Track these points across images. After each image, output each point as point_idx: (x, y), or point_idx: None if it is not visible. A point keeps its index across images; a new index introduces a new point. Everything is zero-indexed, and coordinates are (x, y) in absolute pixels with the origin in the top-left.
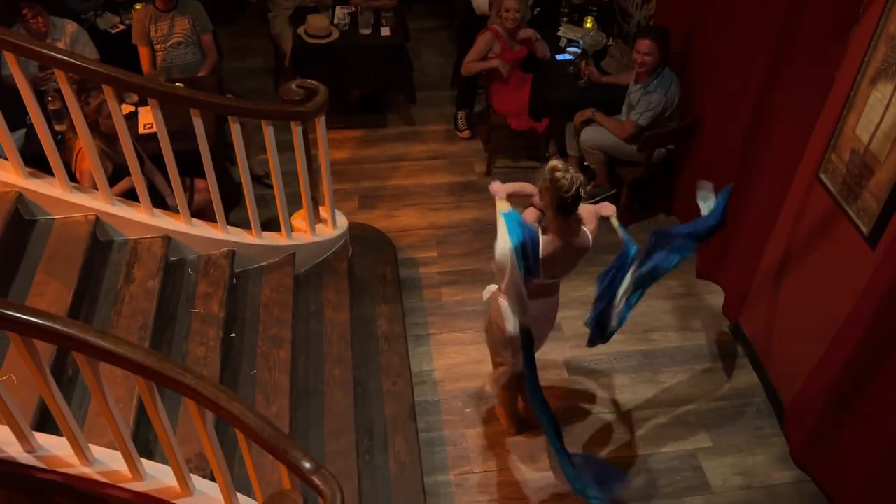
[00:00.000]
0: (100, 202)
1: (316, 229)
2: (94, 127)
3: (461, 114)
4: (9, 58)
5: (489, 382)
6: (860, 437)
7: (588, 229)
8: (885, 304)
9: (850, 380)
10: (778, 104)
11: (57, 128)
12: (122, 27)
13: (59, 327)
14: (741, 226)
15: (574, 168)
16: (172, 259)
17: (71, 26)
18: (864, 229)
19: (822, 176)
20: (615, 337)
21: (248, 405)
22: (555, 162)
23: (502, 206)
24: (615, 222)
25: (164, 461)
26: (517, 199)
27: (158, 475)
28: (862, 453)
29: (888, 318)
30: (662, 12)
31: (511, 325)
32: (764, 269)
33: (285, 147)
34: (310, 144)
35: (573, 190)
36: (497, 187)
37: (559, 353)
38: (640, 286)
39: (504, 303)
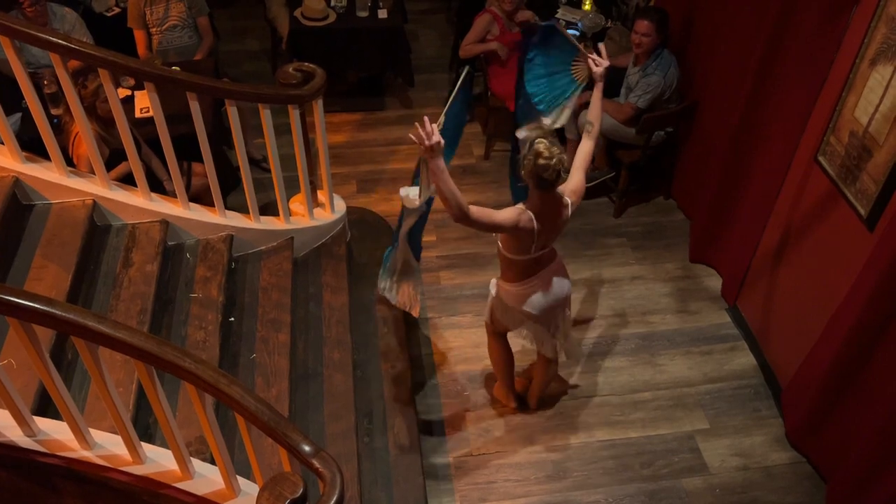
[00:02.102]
0: (97, 187)
1: (314, 213)
2: (90, 111)
3: None
4: (3, 42)
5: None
6: (855, 418)
7: (567, 194)
8: (881, 286)
9: (846, 362)
10: (776, 87)
11: (53, 112)
12: (117, 10)
13: (58, 312)
14: (738, 208)
15: (559, 149)
16: (171, 243)
17: (70, 15)
18: (862, 212)
19: (821, 158)
20: (614, 320)
21: (247, 389)
22: (540, 146)
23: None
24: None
25: (165, 445)
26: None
27: (159, 459)
28: (856, 434)
29: (885, 299)
30: None
31: (531, 306)
32: (762, 251)
33: (283, 131)
34: (307, 128)
35: (556, 172)
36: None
37: None
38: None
39: (516, 288)
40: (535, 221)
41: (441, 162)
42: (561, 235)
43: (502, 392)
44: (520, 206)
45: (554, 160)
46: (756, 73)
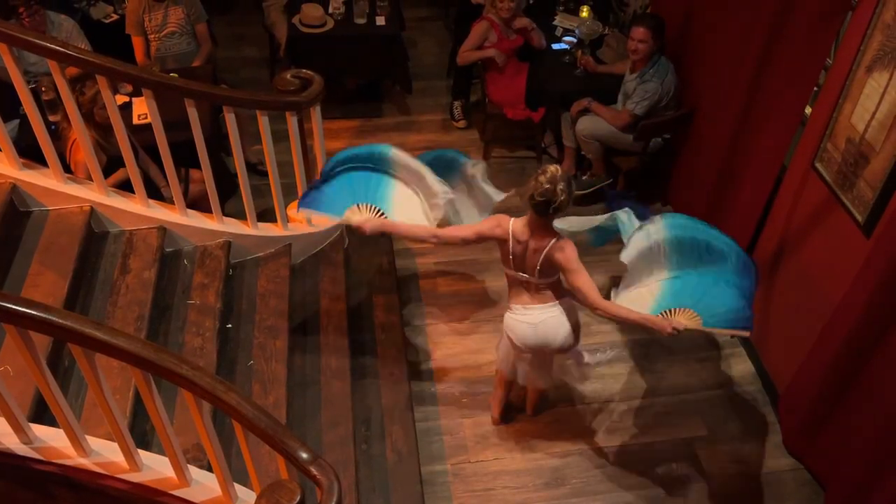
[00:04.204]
0: (95, 193)
1: (312, 220)
2: (88, 117)
3: (457, 103)
4: (1, 49)
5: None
6: (853, 424)
7: (557, 250)
8: (878, 292)
9: (843, 368)
10: (769, 92)
11: (51, 118)
12: (115, 17)
13: (54, 319)
14: (730, 215)
15: (564, 185)
16: (168, 250)
17: (68, 23)
18: (859, 218)
19: (818, 165)
20: (612, 327)
21: (244, 395)
22: (552, 168)
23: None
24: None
25: (162, 452)
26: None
27: (156, 466)
28: (854, 440)
29: (881, 305)
30: (659, 1)
31: (518, 338)
32: (759, 257)
33: (281, 137)
34: (305, 134)
35: (545, 197)
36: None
37: None
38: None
39: (508, 315)
40: (511, 236)
41: (380, 227)
42: (544, 277)
43: (492, 402)
44: (503, 216)
45: (550, 187)
46: (750, 79)
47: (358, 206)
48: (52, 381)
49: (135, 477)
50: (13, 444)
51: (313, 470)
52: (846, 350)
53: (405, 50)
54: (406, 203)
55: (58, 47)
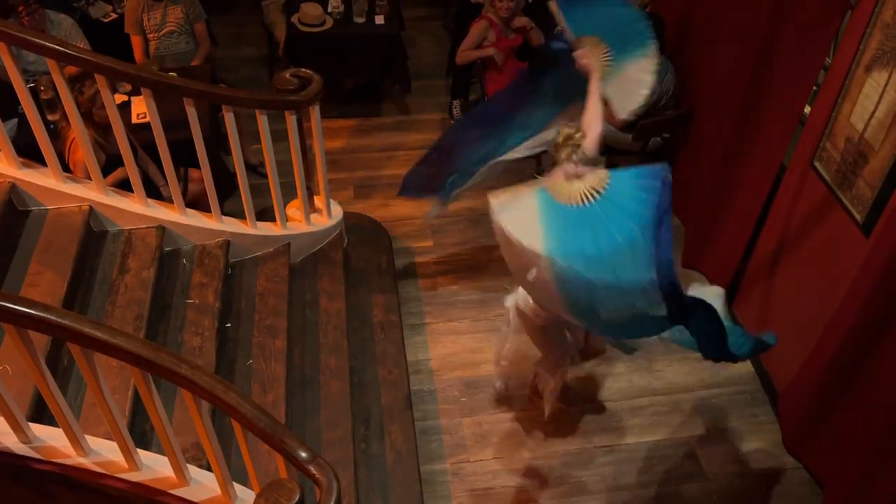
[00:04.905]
0: (94, 192)
1: (311, 219)
2: (87, 117)
3: (456, 103)
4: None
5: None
6: (852, 424)
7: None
8: (877, 292)
9: (842, 368)
10: (767, 92)
11: (50, 118)
12: (114, 16)
13: (53, 318)
14: (727, 215)
15: (576, 129)
16: (167, 249)
17: (67, 22)
18: (858, 217)
19: (817, 164)
20: None
21: (244, 395)
22: (564, 129)
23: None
24: None
25: (161, 451)
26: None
27: (155, 465)
28: (853, 440)
29: (880, 305)
30: (659, 0)
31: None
32: (758, 256)
33: (280, 136)
34: (304, 134)
35: (571, 139)
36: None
37: None
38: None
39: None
40: None
41: (590, 74)
42: None
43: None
44: None
45: (561, 138)
46: (749, 78)
47: (601, 40)
48: (51, 380)
49: (134, 476)
50: (12, 443)
51: (312, 469)
52: (846, 350)
53: (404, 49)
54: (631, 80)
55: (57, 46)
